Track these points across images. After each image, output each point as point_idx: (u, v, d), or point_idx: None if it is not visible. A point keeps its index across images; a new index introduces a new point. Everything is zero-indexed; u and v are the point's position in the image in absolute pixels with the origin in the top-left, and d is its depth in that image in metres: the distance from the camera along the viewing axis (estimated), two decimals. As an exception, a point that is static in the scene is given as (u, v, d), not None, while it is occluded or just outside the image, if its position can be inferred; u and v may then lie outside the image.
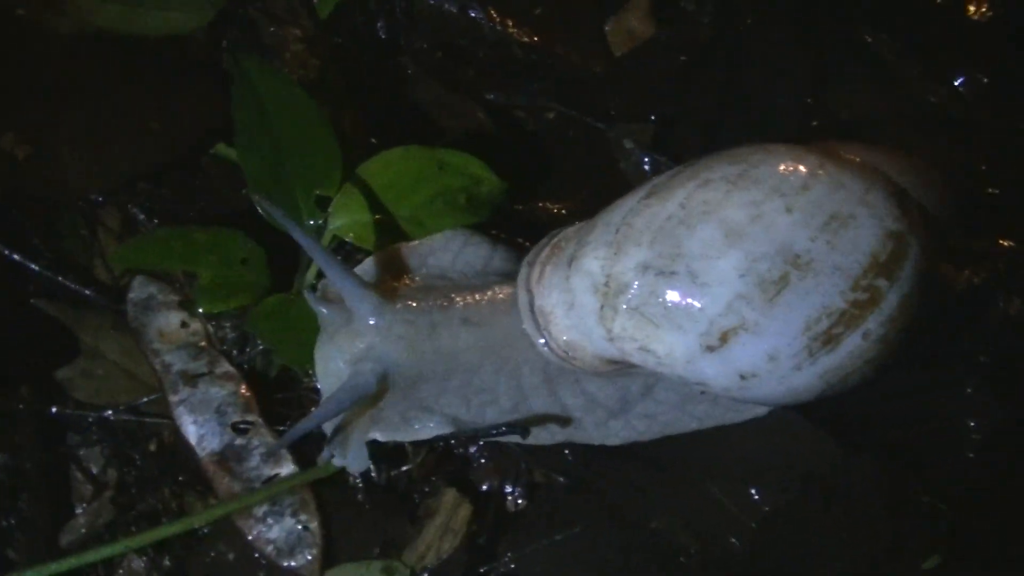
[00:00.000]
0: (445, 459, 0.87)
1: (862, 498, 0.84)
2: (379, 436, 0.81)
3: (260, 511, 0.83)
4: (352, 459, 0.82)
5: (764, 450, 0.87)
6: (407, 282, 0.82)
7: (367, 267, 0.82)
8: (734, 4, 0.95)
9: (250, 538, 0.83)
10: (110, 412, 0.87)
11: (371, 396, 0.80)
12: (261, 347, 0.88)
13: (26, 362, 0.87)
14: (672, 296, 0.75)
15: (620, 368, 0.82)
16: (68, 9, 0.95)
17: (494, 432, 0.81)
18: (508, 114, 0.94)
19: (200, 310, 0.83)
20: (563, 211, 0.93)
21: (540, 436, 0.84)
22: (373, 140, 0.89)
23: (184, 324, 0.89)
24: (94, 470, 0.87)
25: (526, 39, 0.96)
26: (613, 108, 0.95)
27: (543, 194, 0.92)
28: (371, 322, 0.79)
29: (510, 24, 0.96)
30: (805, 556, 0.84)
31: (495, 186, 0.86)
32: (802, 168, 0.76)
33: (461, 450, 0.88)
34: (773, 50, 0.94)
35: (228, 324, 0.88)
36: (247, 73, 0.83)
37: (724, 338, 0.74)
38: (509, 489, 0.87)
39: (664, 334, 0.75)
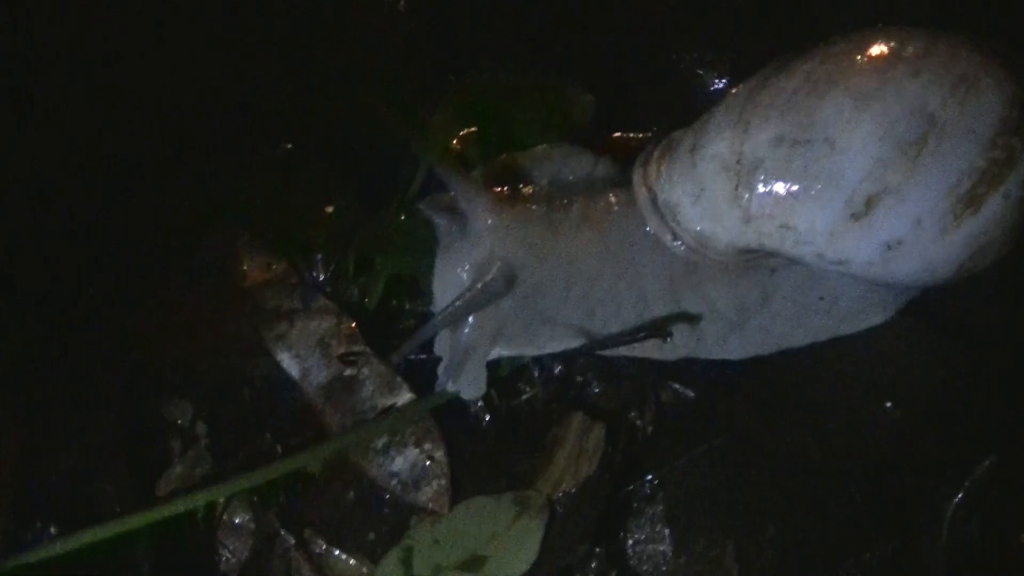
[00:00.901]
0: (565, 385, 0.82)
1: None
2: (504, 352, 0.76)
3: (380, 443, 0.77)
4: (470, 384, 0.76)
5: (890, 362, 0.84)
6: (518, 189, 0.78)
7: (475, 177, 0.78)
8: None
9: (371, 474, 0.76)
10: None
11: (496, 302, 0.74)
12: (357, 280, 0.82)
13: (100, 312, 0.79)
14: (811, 165, 0.72)
15: (751, 260, 0.78)
16: None
17: (627, 339, 0.76)
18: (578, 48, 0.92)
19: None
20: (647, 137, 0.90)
21: (663, 352, 0.80)
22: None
23: (270, 264, 0.83)
24: (180, 422, 0.79)
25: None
26: (685, 40, 0.94)
27: (624, 125, 0.90)
28: (489, 222, 0.75)
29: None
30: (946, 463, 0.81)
31: (587, 103, 0.83)
32: (920, 38, 0.75)
33: (579, 378, 0.82)
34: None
35: (319, 257, 0.83)
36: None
37: (868, 204, 0.72)
38: (635, 411, 0.81)
39: (804, 207, 0.73)
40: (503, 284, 0.73)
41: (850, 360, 0.84)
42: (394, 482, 0.76)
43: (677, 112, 0.91)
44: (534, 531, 0.74)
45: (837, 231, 0.73)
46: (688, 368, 0.82)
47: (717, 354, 0.82)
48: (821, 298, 0.82)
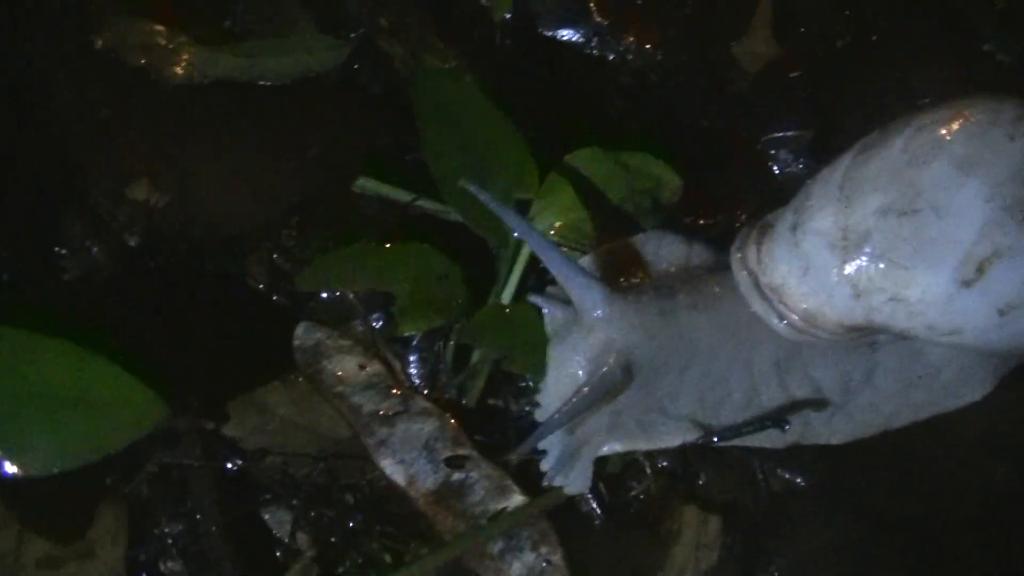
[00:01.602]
0: (672, 479, 0.80)
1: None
2: (617, 446, 0.74)
3: (495, 548, 0.74)
4: (577, 479, 0.74)
5: (992, 431, 0.82)
6: (623, 277, 0.77)
7: (585, 264, 0.77)
8: (855, 18, 0.98)
9: (487, 580, 0.73)
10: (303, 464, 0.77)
11: (614, 393, 0.73)
12: (455, 379, 0.80)
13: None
14: (919, 234, 0.71)
15: (860, 336, 0.77)
16: (182, 61, 0.91)
17: (750, 429, 0.75)
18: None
19: (402, 331, 0.75)
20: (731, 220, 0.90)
21: (772, 440, 0.78)
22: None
23: (362, 366, 0.81)
24: (279, 533, 0.76)
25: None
26: (762, 120, 0.95)
27: (710, 205, 0.90)
28: (598, 314, 0.73)
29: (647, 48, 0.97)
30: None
31: (675, 187, 0.83)
32: (1008, 104, 0.76)
33: (684, 469, 0.80)
34: (904, 59, 0.96)
35: (413, 358, 0.81)
36: (427, 81, 0.80)
37: (980, 269, 0.71)
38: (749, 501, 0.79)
39: (916, 275, 0.72)
40: (621, 375, 0.72)
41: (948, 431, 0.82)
42: (513, 588, 0.73)
43: (761, 192, 0.92)
44: (663, 628, 0.72)
45: (949, 299, 0.72)
46: (793, 455, 0.80)
47: (823, 439, 0.80)
48: (920, 376, 0.81)
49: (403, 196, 0.86)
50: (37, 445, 0.66)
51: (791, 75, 0.97)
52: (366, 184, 0.87)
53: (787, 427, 0.75)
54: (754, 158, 0.94)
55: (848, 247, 0.73)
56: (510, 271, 0.79)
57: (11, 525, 0.71)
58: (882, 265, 0.72)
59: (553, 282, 0.78)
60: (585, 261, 0.76)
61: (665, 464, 0.80)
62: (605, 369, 0.72)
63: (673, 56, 0.97)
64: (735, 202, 0.92)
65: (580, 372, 0.73)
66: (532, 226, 0.71)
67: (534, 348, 0.74)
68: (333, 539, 0.75)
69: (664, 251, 0.82)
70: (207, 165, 0.88)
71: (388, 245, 0.78)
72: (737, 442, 0.78)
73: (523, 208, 0.79)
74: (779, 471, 0.80)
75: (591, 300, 0.73)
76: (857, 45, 0.97)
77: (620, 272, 0.76)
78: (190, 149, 0.88)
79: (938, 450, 0.82)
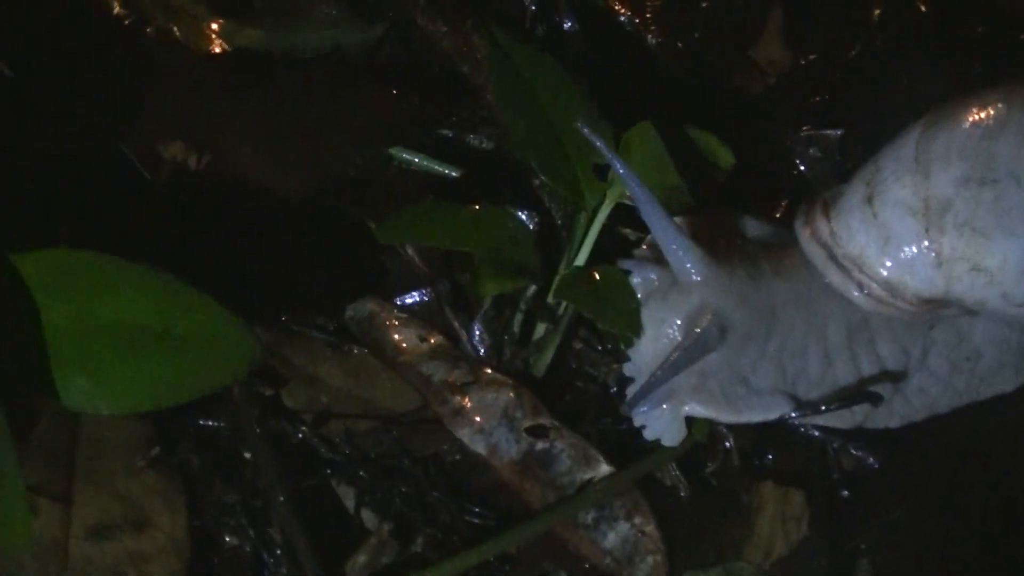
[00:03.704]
0: (741, 455, 0.77)
1: None
2: (699, 408, 0.72)
3: (588, 518, 0.69)
4: (668, 430, 0.72)
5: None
6: (719, 243, 0.75)
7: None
8: (863, 27, 1.01)
9: (583, 551, 0.68)
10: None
11: (706, 352, 0.70)
12: (522, 351, 0.76)
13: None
14: (1001, 201, 0.73)
15: (931, 309, 0.78)
16: (208, 31, 0.86)
17: (841, 404, 0.75)
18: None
19: (483, 293, 0.71)
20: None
21: (841, 420, 0.78)
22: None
23: (422, 339, 0.76)
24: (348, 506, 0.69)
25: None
26: (780, 122, 0.96)
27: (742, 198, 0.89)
28: (696, 277, 0.72)
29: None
30: None
31: (729, 163, 0.83)
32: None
33: (749, 446, 0.78)
34: (920, 63, 0.99)
35: (478, 330, 0.76)
36: (504, 48, 0.77)
37: (1059, 236, 0.73)
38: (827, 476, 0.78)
39: (997, 244, 0.73)
40: (717, 334, 0.70)
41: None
42: (607, 560, 0.68)
43: (794, 191, 0.92)
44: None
45: (1028, 268, 0.73)
46: (858, 435, 0.79)
47: (883, 422, 0.80)
48: (967, 358, 0.82)
49: (437, 167, 0.84)
50: (118, 380, 0.58)
51: (807, 81, 0.99)
52: (401, 155, 0.84)
53: (879, 403, 0.74)
54: (782, 155, 0.94)
55: (931, 216, 0.74)
56: (585, 236, 0.75)
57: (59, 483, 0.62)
58: (965, 233, 0.73)
59: (624, 250, 0.77)
60: (682, 222, 0.74)
61: (730, 442, 0.77)
62: (699, 329, 0.70)
63: (694, 57, 0.98)
64: (769, 195, 0.92)
65: (676, 332, 0.71)
66: (641, 181, 0.68)
67: (625, 308, 0.70)
68: (410, 512, 0.68)
69: (741, 223, 0.81)
70: (240, 134, 0.83)
71: (460, 207, 0.74)
72: (810, 420, 0.77)
73: (602, 175, 0.76)
74: (851, 450, 0.78)
75: (690, 262, 0.71)
76: (867, 53, 1.00)
77: (710, 238, 0.73)
78: (221, 118, 0.83)
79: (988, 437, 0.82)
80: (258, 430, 0.68)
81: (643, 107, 0.86)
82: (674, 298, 0.72)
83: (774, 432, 0.78)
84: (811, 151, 0.95)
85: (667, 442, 0.71)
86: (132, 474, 0.65)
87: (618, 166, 0.69)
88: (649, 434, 0.71)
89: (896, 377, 0.80)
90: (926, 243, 0.74)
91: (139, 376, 0.58)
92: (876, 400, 0.75)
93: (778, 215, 0.93)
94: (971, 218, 0.73)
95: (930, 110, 0.79)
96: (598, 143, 0.69)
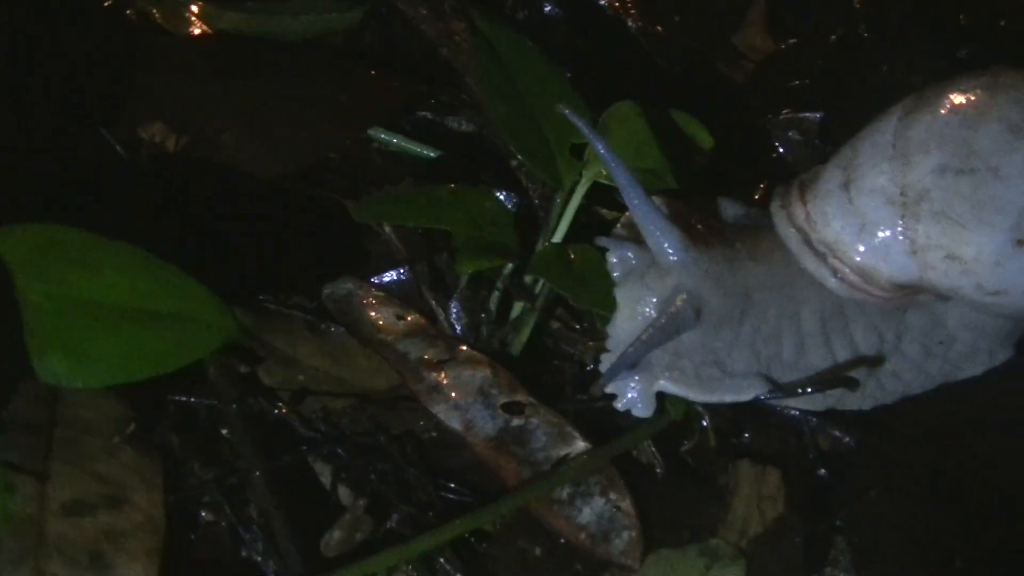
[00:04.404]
0: (717, 434, 0.78)
1: None
2: (670, 386, 0.72)
3: (563, 494, 0.70)
4: (639, 402, 0.72)
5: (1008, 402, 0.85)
6: (697, 225, 0.76)
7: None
8: (845, 13, 1.01)
9: (557, 527, 0.69)
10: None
11: (681, 331, 0.71)
12: (499, 331, 0.77)
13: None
14: (977, 192, 0.73)
15: (904, 295, 0.78)
16: (188, 14, 0.87)
17: (817, 387, 0.75)
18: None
19: (462, 270, 0.72)
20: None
21: (813, 403, 0.79)
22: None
23: (399, 317, 0.76)
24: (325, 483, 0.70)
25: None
26: (761, 106, 0.96)
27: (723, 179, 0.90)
28: (674, 258, 0.72)
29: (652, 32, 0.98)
30: None
31: (709, 146, 0.83)
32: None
33: (726, 425, 0.79)
34: (901, 49, 1.00)
35: (455, 309, 0.77)
36: (483, 32, 0.78)
37: (1035, 230, 0.73)
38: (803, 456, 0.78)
39: (972, 234, 0.73)
40: (692, 316, 0.70)
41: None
42: (582, 535, 0.69)
43: (774, 175, 0.93)
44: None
45: (1002, 259, 0.74)
46: (834, 416, 0.80)
47: (857, 404, 0.81)
48: (941, 342, 0.83)
49: (417, 149, 0.86)
50: (94, 355, 0.58)
51: (788, 66, 0.99)
52: (380, 136, 0.85)
53: (855, 387, 0.75)
54: (762, 138, 0.95)
55: (907, 204, 0.74)
56: (561, 215, 0.76)
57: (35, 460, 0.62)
58: (940, 222, 0.74)
59: (602, 229, 0.77)
60: (661, 202, 0.75)
61: (706, 421, 0.78)
62: (673, 309, 0.70)
63: (677, 43, 0.98)
64: (748, 177, 0.93)
65: (652, 311, 0.72)
66: (622, 162, 0.69)
67: (599, 285, 0.71)
68: (385, 488, 0.69)
69: (719, 205, 0.82)
70: (221, 116, 0.83)
71: (439, 187, 0.75)
72: (782, 402, 0.77)
73: (578, 154, 0.77)
74: (828, 429, 0.78)
75: (668, 243, 0.71)
76: (848, 38, 1.01)
77: (689, 219, 0.74)
78: (202, 100, 0.83)
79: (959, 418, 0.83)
80: (235, 407, 0.68)
81: (624, 91, 0.86)
82: (651, 278, 0.72)
83: (751, 411, 0.79)
84: (790, 134, 0.96)
85: (637, 413, 0.71)
86: (109, 452, 0.65)
87: (599, 147, 0.69)
88: (620, 404, 0.71)
89: (870, 362, 0.80)
90: (901, 230, 0.74)
91: (114, 350, 0.59)
92: (851, 385, 0.75)
93: (757, 197, 0.93)
94: (947, 207, 0.73)
95: (910, 95, 0.79)
96: (579, 123, 0.69)
